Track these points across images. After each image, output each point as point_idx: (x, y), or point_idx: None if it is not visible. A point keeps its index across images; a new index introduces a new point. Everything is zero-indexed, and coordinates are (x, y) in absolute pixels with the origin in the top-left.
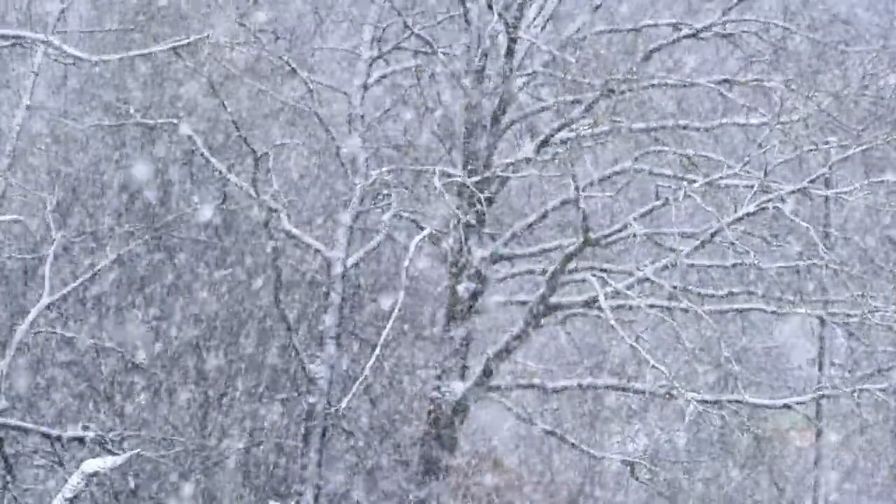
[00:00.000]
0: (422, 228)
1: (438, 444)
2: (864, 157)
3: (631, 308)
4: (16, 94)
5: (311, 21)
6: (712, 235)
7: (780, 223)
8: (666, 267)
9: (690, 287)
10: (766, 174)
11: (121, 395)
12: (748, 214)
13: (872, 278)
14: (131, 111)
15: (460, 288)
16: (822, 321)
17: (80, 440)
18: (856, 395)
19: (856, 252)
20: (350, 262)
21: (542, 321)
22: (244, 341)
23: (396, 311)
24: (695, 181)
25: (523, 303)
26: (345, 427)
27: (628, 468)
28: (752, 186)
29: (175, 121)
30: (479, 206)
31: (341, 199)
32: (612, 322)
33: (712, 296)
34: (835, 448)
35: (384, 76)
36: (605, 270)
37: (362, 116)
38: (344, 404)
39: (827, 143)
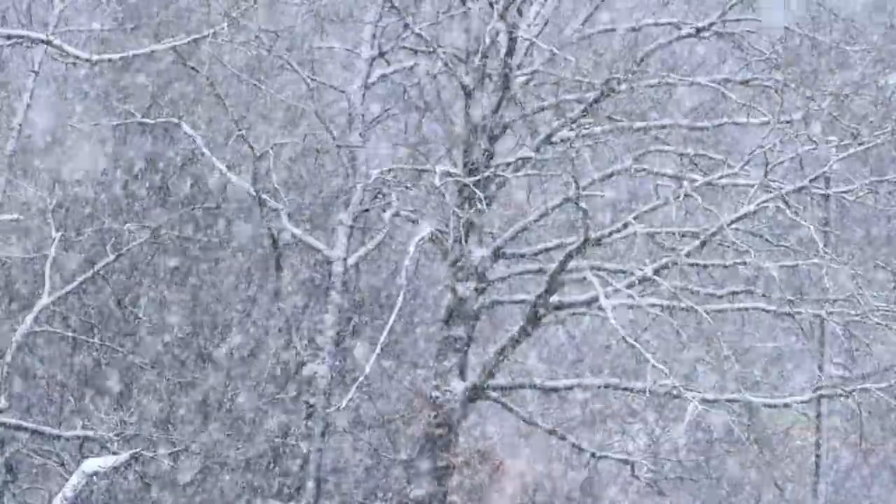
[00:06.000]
0: (422, 228)
1: (438, 443)
2: (864, 155)
3: (631, 307)
4: (16, 94)
5: (312, 20)
6: (712, 235)
7: (780, 222)
8: (666, 266)
9: (690, 287)
10: (766, 174)
11: (121, 395)
12: (748, 214)
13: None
14: (132, 110)
15: (460, 288)
16: (822, 321)
17: (81, 440)
18: (856, 394)
19: (856, 251)
20: (350, 261)
21: (543, 321)
22: (244, 341)
23: (396, 310)
24: (695, 181)
25: (523, 303)
26: (345, 427)
27: (628, 467)
28: (752, 186)
29: (175, 120)
30: (479, 206)
31: (341, 198)
32: (613, 321)
33: (712, 296)
34: (835, 447)
35: (384, 76)
36: (605, 270)
37: (362, 116)
38: (344, 404)
39: (827, 142)
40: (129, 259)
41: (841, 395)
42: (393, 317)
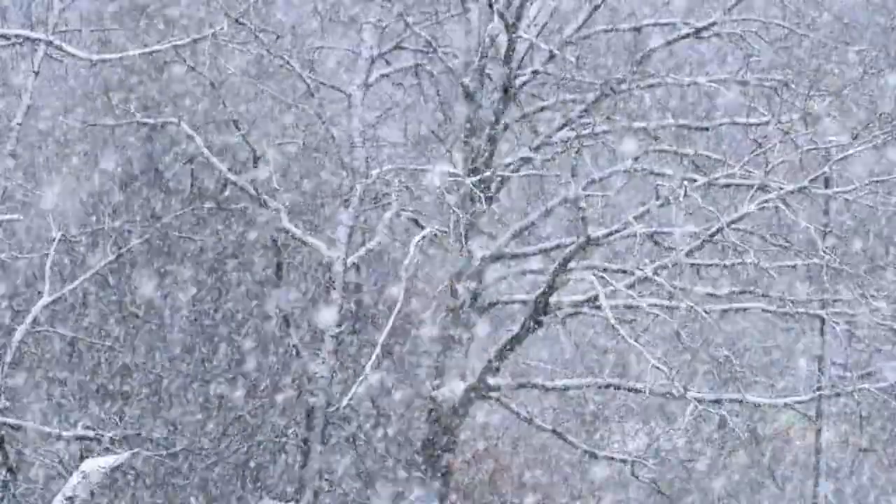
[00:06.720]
0: (422, 228)
1: (438, 444)
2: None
3: (631, 307)
4: (16, 94)
5: (312, 20)
6: (712, 235)
7: (780, 222)
8: (666, 266)
9: (690, 287)
10: (766, 174)
11: (121, 395)
12: (748, 214)
13: (872, 277)
14: (132, 110)
15: (460, 288)
16: (823, 321)
17: (81, 440)
18: (856, 394)
19: (856, 251)
20: (350, 261)
21: (542, 321)
22: (244, 340)
23: (396, 310)
24: (695, 181)
25: (523, 303)
26: (345, 426)
27: (628, 467)
28: (752, 186)
29: (175, 119)
30: (479, 206)
31: (341, 198)
32: (613, 321)
33: (712, 295)
34: (835, 447)
35: (385, 75)
36: (605, 269)
37: (362, 116)
38: (344, 404)
39: (827, 142)
40: (129, 259)
41: (841, 395)
42: (393, 317)
